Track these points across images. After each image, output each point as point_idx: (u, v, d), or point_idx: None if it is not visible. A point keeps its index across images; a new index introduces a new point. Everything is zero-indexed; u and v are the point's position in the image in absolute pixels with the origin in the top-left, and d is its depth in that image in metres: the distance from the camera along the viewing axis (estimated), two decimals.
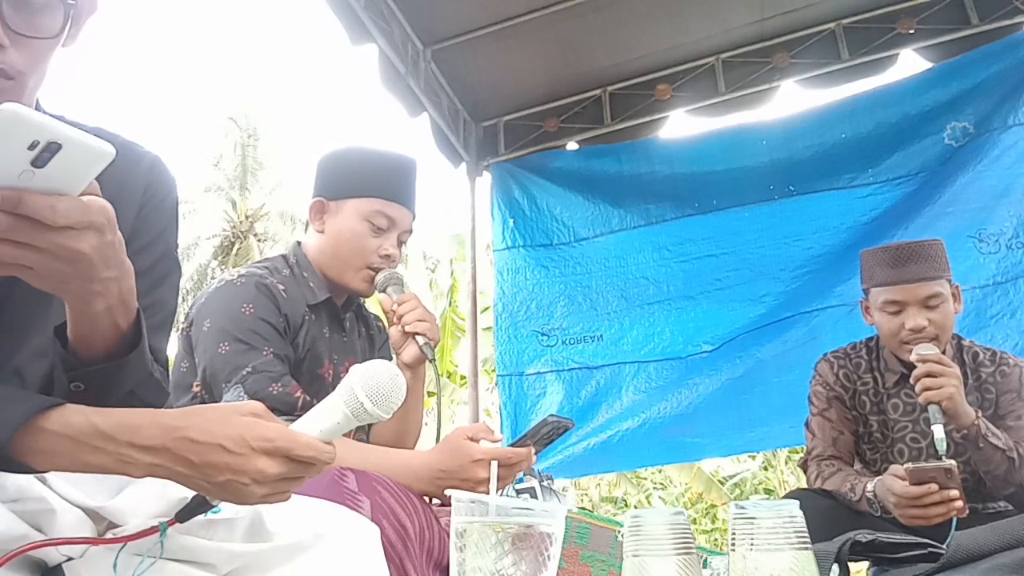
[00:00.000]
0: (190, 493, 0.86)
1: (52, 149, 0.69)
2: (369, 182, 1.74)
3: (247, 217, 22.28)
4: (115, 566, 0.78)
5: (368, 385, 0.86)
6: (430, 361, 1.65)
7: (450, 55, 4.00)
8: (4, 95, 0.84)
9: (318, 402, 1.63)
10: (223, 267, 21.68)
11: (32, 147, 0.68)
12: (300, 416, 1.52)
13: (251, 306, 1.57)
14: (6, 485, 0.79)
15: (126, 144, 1.05)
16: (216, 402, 1.52)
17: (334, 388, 1.71)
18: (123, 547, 0.79)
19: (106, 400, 0.86)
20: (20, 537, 0.74)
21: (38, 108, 0.96)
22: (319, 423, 0.86)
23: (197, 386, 1.59)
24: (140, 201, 1.03)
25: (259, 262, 1.79)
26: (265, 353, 1.53)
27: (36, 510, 0.77)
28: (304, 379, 1.62)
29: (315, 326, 1.70)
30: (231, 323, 1.55)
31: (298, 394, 1.53)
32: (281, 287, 1.64)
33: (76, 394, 0.87)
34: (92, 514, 0.81)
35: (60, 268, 0.74)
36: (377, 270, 1.71)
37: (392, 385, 0.87)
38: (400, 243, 1.78)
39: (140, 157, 1.06)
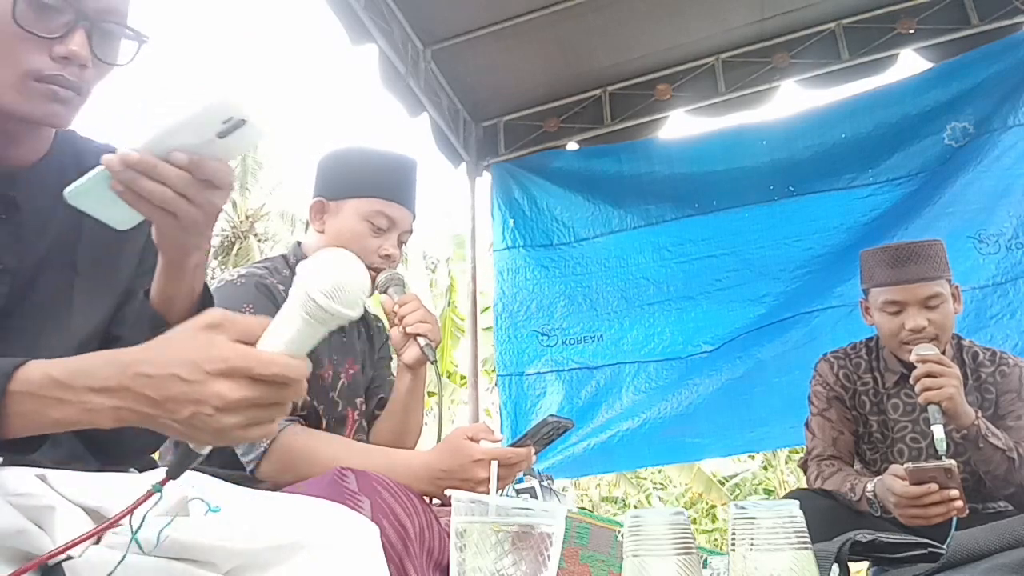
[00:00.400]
0: (190, 493, 0.86)
1: (237, 124, 0.85)
2: (369, 182, 1.74)
3: (247, 217, 22.29)
4: (135, 540, 0.76)
5: (318, 279, 0.75)
6: (431, 362, 1.65)
7: (450, 55, 4.00)
8: (70, 107, 0.94)
9: (317, 404, 1.64)
10: (223, 267, 21.66)
11: (226, 121, 0.84)
12: (300, 417, 1.53)
13: (251, 306, 1.57)
14: (6, 481, 0.79)
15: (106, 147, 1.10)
16: None
17: (334, 388, 1.72)
18: (138, 529, 0.76)
19: None
20: (18, 532, 0.74)
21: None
22: (281, 336, 0.76)
23: None
24: None
25: (259, 262, 1.79)
26: None
27: (35, 506, 0.77)
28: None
29: None
30: None
31: None
32: (281, 287, 1.64)
33: None
34: (92, 513, 0.81)
35: (199, 220, 0.89)
36: (378, 270, 1.71)
37: (346, 274, 0.76)
38: (400, 243, 1.77)
39: None
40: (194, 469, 0.93)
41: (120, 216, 0.90)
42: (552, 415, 1.57)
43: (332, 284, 0.75)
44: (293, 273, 1.70)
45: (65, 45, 0.90)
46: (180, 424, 0.73)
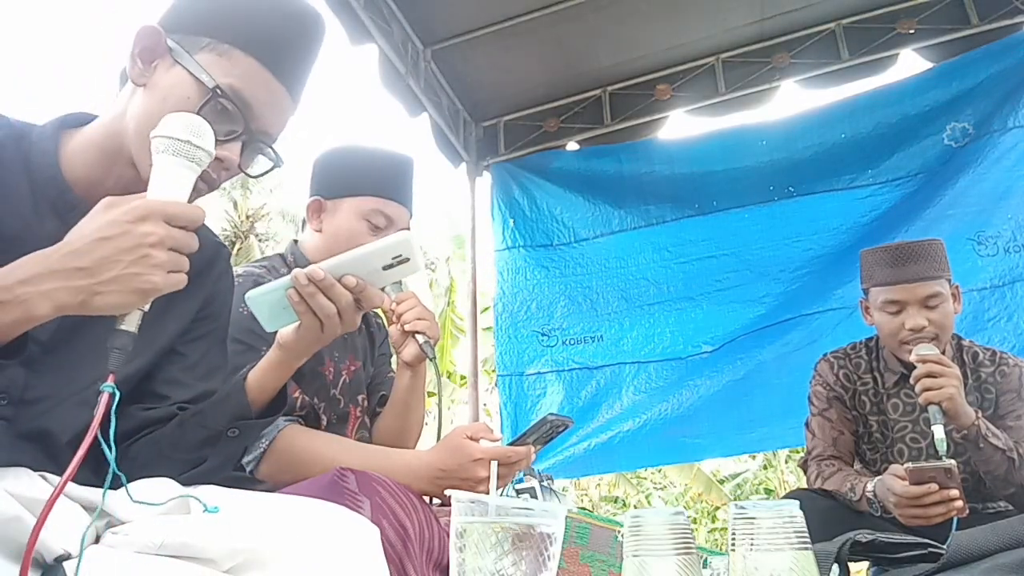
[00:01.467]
0: (181, 489, 0.86)
1: (403, 261, 1.04)
2: (366, 181, 1.74)
3: (248, 217, 22.29)
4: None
5: (173, 126, 0.87)
6: (430, 359, 1.65)
7: (450, 55, 4.00)
8: (200, 196, 0.99)
9: (318, 401, 1.63)
10: None
11: (395, 258, 1.03)
12: (299, 417, 1.52)
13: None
14: (6, 477, 0.80)
15: (209, 236, 1.20)
16: None
17: (335, 386, 1.72)
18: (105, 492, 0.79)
19: (237, 451, 1.12)
20: (13, 518, 0.74)
21: None
22: (170, 186, 0.86)
23: None
24: (212, 290, 1.17)
25: (257, 261, 1.79)
26: (263, 353, 1.53)
27: (33, 498, 0.77)
28: (305, 377, 1.62)
29: None
30: (229, 323, 1.55)
31: (296, 394, 1.52)
32: None
33: (227, 439, 1.07)
34: (91, 509, 0.81)
35: (338, 331, 1.09)
36: None
37: (187, 115, 0.89)
38: None
39: (220, 253, 1.21)
40: (195, 480, 0.94)
41: (278, 319, 1.09)
42: (551, 413, 1.57)
43: (184, 123, 0.88)
44: (298, 268, 1.71)
45: (222, 149, 0.98)
46: (115, 285, 0.78)
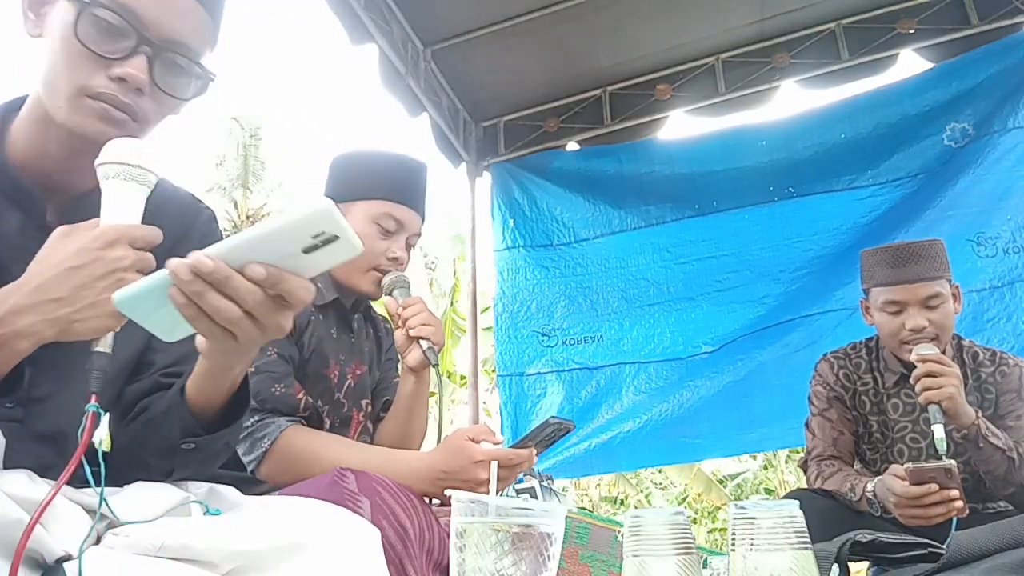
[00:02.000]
0: (180, 495, 0.86)
1: (328, 240, 0.75)
2: (378, 184, 1.74)
3: (248, 217, 22.29)
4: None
5: (117, 151, 0.87)
6: (432, 366, 1.64)
7: (450, 55, 4.00)
8: (123, 129, 0.93)
9: (322, 404, 1.63)
10: None
11: (316, 236, 0.75)
12: (301, 418, 1.52)
13: None
14: (6, 478, 0.80)
15: (188, 196, 1.15)
16: None
17: (340, 389, 1.71)
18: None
19: (210, 457, 0.97)
20: (14, 522, 0.74)
21: None
22: (125, 210, 0.86)
23: None
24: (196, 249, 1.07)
25: None
26: (269, 353, 1.53)
27: (34, 499, 0.77)
28: (309, 379, 1.62)
29: (322, 327, 1.69)
30: None
31: (300, 395, 1.52)
32: None
33: (185, 452, 0.94)
34: (91, 511, 0.81)
35: (258, 338, 0.81)
36: (384, 272, 1.71)
37: (127, 140, 0.88)
38: (408, 246, 1.77)
39: (200, 211, 1.14)
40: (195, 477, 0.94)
41: (170, 326, 0.80)
42: (554, 417, 1.57)
43: (129, 148, 0.86)
44: None
45: (122, 67, 0.91)
46: (88, 312, 0.79)
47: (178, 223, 1.02)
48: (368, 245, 1.70)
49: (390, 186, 1.74)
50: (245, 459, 1.48)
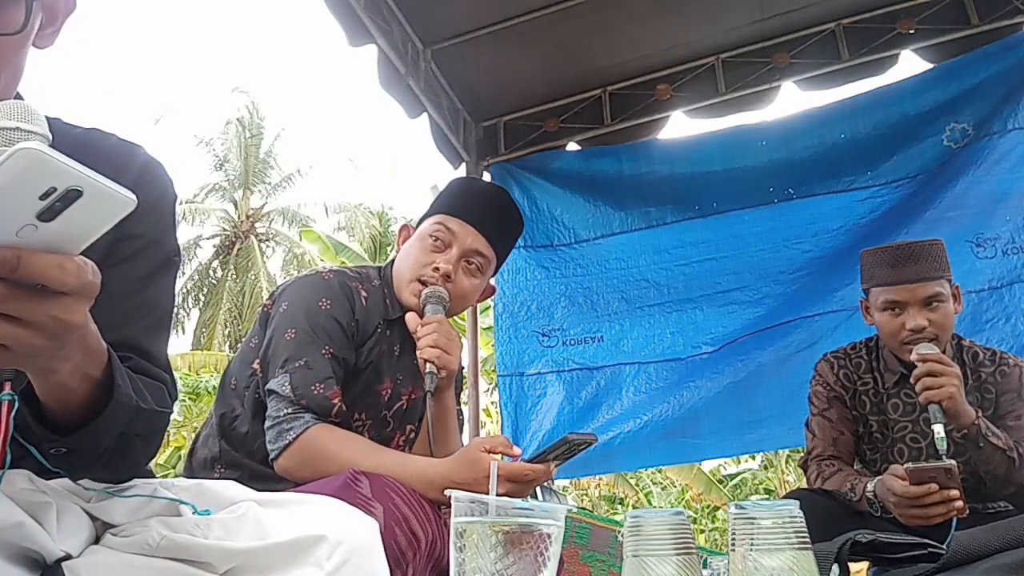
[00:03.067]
0: (169, 495, 0.86)
1: (69, 198, 0.56)
2: (445, 202, 1.74)
3: (248, 217, 22.29)
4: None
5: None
6: (428, 393, 1.57)
7: (450, 55, 4.00)
8: None
9: (365, 418, 1.62)
10: (224, 266, 21.70)
11: (46, 195, 0.56)
12: (332, 422, 1.51)
13: (329, 302, 1.58)
14: (6, 479, 0.79)
15: (119, 144, 1.00)
16: (268, 382, 1.54)
17: (388, 408, 1.70)
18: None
19: (92, 455, 0.79)
20: (15, 524, 0.74)
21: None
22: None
23: (257, 363, 1.60)
24: None
25: (355, 267, 1.79)
26: (324, 352, 1.54)
27: (33, 501, 0.77)
28: (357, 388, 1.61)
29: (385, 341, 1.67)
30: (304, 313, 1.56)
31: (336, 400, 1.52)
32: (364, 294, 1.65)
33: (57, 457, 0.77)
34: (90, 513, 0.81)
35: (41, 345, 0.61)
36: (426, 284, 1.66)
37: (10, 101, 0.66)
38: (468, 263, 1.69)
39: (133, 158, 0.99)
40: (195, 477, 0.93)
41: None
42: (573, 432, 1.53)
43: (7, 109, 0.65)
44: (384, 284, 1.70)
45: None
46: None
47: (109, 171, 0.88)
48: (416, 256, 1.68)
49: (452, 201, 1.73)
50: (270, 447, 1.49)
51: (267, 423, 1.51)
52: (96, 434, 0.78)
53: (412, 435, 1.79)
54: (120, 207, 0.59)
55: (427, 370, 1.56)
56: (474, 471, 1.39)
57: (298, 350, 1.52)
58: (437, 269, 1.65)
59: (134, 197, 0.60)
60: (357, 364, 1.62)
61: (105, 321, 0.75)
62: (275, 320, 1.59)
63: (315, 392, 1.50)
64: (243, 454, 1.59)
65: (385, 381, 1.68)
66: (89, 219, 0.59)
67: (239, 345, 1.64)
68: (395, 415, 1.72)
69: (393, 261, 1.80)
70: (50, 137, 0.68)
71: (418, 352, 1.58)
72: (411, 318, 1.63)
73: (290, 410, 1.48)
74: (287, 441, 1.47)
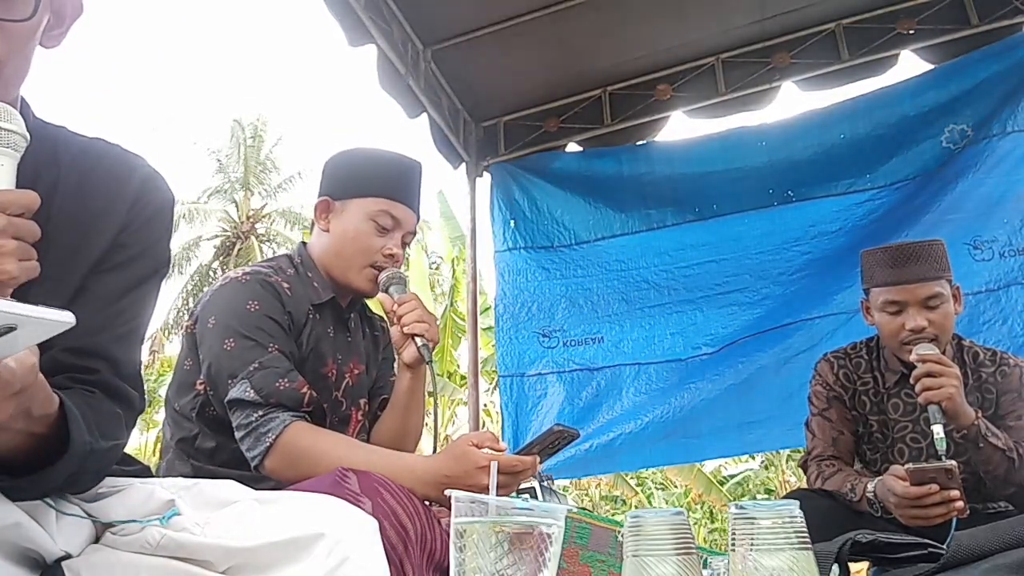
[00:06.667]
0: (166, 496, 0.86)
1: (5, 329, 0.63)
2: (375, 182, 1.75)
3: (248, 217, 22.31)
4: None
5: None
6: (427, 363, 1.65)
7: (450, 55, 4.00)
8: None
9: (321, 402, 1.64)
10: (224, 267, 21.73)
11: None
12: (306, 414, 1.52)
13: (256, 303, 1.57)
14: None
15: (122, 155, 1.02)
16: (220, 400, 1.52)
17: (338, 388, 1.72)
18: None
19: (38, 492, 0.80)
20: (14, 524, 0.74)
21: (22, 106, 0.94)
22: None
23: (201, 384, 1.59)
24: (126, 217, 0.98)
25: (263, 262, 1.79)
26: (271, 349, 1.53)
27: (35, 503, 0.77)
28: (307, 378, 1.62)
29: (319, 325, 1.70)
30: (236, 320, 1.55)
31: (304, 390, 1.52)
32: (286, 285, 1.65)
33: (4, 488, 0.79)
34: (90, 512, 0.81)
35: None
36: (380, 269, 1.72)
37: None
38: (404, 244, 1.78)
39: (133, 170, 1.02)
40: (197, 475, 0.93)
41: None
42: (558, 424, 1.55)
43: None
44: (298, 273, 1.71)
45: None
46: None
47: (110, 182, 0.91)
48: (364, 242, 1.72)
49: (387, 184, 1.75)
50: (249, 455, 1.48)
51: (238, 433, 1.49)
52: (44, 480, 0.80)
53: (366, 407, 1.82)
54: (58, 327, 0.66)
55: (420, 344, 1.62)
56: (463, 465, 1.40)
57: (245, 356, 1.51)
58: (391, 256, 1.72)
59: (72, 318, 0.66)
60: (300, 354, 1.64)
61: (83, 325, 0.76)
62: (207, 337, 1.56)
63: (281, 388, 1.49)
64: (217, 464, 1.59)
65: (328, 363, 1.70)
66: (25, 339, 0.66)
67: None
68: (346, 394, 1.75)
69: (305, 243, 1.81)
70: (28, 137, 0.75)
71: (405, 328, 1.64)
72: (386, 300, 1.70)
73: (261, 412, 1.48)
74: (268, 444, 1.46)
